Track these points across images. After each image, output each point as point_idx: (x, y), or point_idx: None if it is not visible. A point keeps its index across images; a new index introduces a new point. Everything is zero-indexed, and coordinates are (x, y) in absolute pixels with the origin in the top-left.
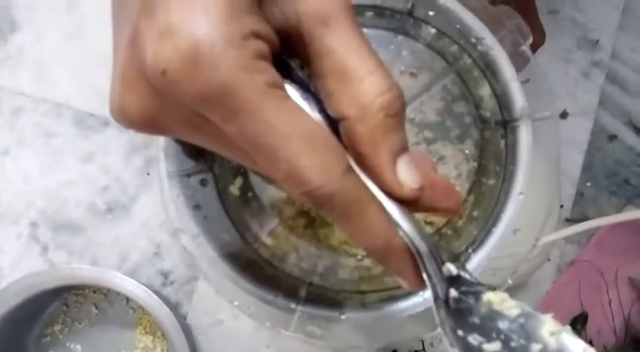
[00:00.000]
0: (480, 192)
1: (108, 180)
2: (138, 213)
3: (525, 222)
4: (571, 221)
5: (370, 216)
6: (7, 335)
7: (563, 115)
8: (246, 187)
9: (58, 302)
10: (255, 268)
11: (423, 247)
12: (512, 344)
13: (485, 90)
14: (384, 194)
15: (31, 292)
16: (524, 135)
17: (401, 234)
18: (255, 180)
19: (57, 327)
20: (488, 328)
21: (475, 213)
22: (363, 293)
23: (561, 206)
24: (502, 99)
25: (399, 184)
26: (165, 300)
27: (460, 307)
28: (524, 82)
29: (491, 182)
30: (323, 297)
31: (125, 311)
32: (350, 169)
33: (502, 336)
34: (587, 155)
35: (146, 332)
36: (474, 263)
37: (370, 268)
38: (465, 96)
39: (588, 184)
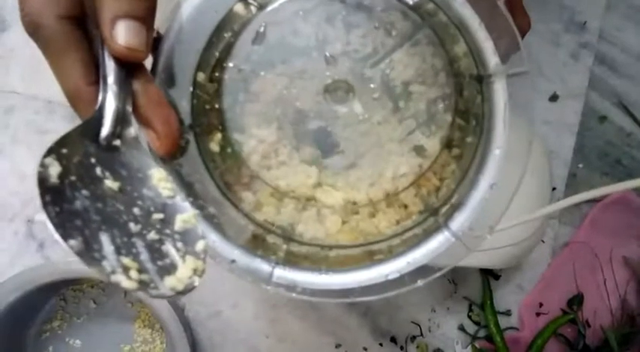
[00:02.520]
0: (460, 149)
1: None
2: None
3: (503, 178)
4: None
5: (69, 59)
6: (5, 332)
7: (553, 98)
8: (225, 143)
9: (56, 298)
10: (237, 225)
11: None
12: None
13: (460, 48)
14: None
15: (28, 287)
16: (500, 90)
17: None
18: (235, 135)
19: (56, 323)
20: (131, 180)
21: (453, 168)
22: (344, 247)
23: (554, 188)
24: (477, 57)
25: (112, 38)
26: None
27: (116, 152)
28: (517, 74)
29: (469, 139)
30: (305, 254)
31: (123, 305)
32: (69, 18)
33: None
34: (579, 137)
35: (145, 326)
36: (459, 220)
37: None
38: (440, 52)
39: (580, 166)
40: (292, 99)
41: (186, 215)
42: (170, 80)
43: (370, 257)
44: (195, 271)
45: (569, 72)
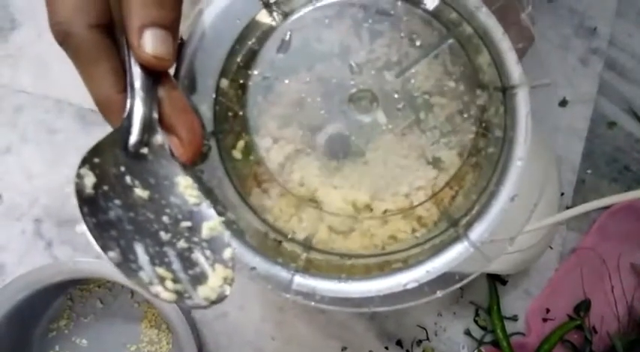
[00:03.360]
0: (479, 159)
1: None
2: None
3: (523, 190)
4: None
5: (99, 69)
6: (13, 330)
7: (563, 103)
8: (249, 150)
9: (63, 298)
10: (256, 232)
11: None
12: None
13: (484, 58)
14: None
15: (36, 287)
16: (523, 101)
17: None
18: (256, 138)
19: (62, 322)
20: (159, 188)
21: (474, 180)
22: (363, 257)
23: (562, 194)
24: (500, 68)
25: (139, 47)
26: None
27: (143, 160)
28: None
29: (491, 149)
30: (324, 262)
31: (130, 305)
32: (99, 27)
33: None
34: (587, 142)
35: (151, 326)
36: (478, 231)
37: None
38: (464, 62)
39: (589, 171)
40: (316, 106)
41: (212, 222)
42: (192, 86)
43: (389, 266)
44: (225, 280)
45: (579, 77)
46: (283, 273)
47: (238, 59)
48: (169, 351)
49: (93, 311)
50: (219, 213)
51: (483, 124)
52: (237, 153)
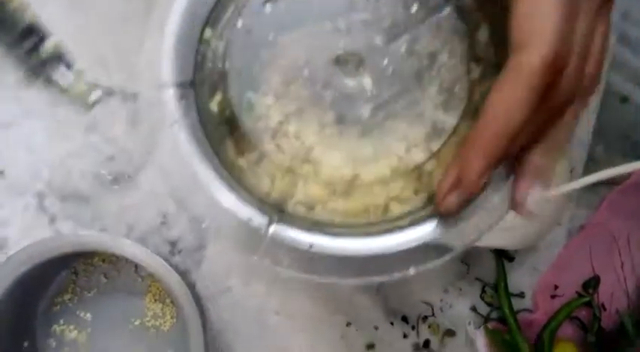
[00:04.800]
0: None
1: (113, 150)
2: (144, 183)
3: None
4: None
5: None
6: (16, 304)
7: None
8: (225, 105)
9: (67, 271)
10: (229, 191)
11: None
12: None
13: (483, 35)
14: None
15: (39, 260)
16: None
17: None
18: (234, 97)
19: (67, 296)
20: None
21: None
22: (369, 221)
23: (571, 170)
24: (501, 46)
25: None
26: (174, 268)
27: None
28: None
29: None
30: (298, 227)
31: (134, 280)
32: None
33: None
34: (599, 118)
35: (155, 300)
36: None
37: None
38: (460, 35)
39: (600, 148)
40: (302, 66)
41: None
42: (180, 32)
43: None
44: None
45: None
46: (253, 232)
47: (228, 10)
48: (173, 325)
49: (97, 285)
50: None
51: (474, 100)
52: (213, 106)
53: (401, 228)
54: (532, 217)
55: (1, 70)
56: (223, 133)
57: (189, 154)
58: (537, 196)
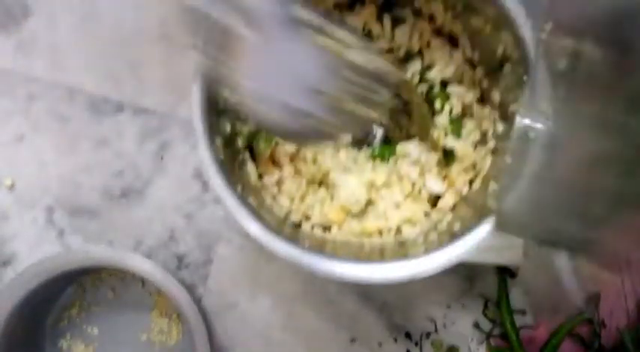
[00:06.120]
0: (498, 145)
1: (122, 164)
2: (152, 198)
3: None
4: None
5: None
6: (26, 318)
7: None
8: (247, 132)
9: (75, 286)
10: (276, 216)
11: None
12: None
13: (505, 43)
14: None
15: (48, 275)
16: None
17: None
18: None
19: (74, 310)
20: None
21: (493, 165)
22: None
23: None
24: (523, 52)
25: None
26: (181, 283)
27: None
28: None
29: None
30: (342, 244)
31: (141, 294)
32: None
33: None
34: None
35: (162, 315)
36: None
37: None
38: (484, 47)
39: None
40: None
41: None
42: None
43: (405, 250)
44: None
45: None
46: (304, 256)
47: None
48: (180, 340)
49: (104, 299)
50: (241, 198)
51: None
52: (235, 133)
53: (416, 256)
54: None
55: (12, 84)
56: (245, 158)
57: (216, 182)
58: None
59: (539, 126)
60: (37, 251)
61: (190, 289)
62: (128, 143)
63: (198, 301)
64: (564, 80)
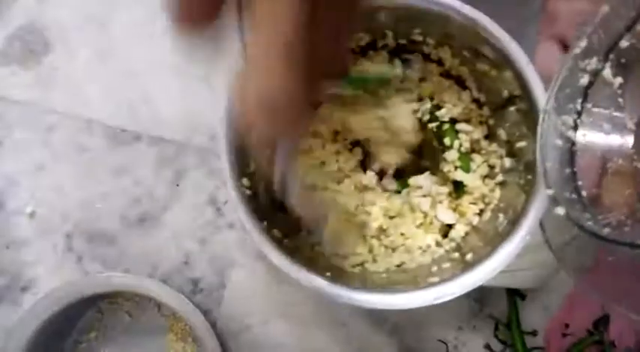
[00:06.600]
0: (506, 178)
1: (139, 192)
2: (168, 224)
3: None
4: None
5: None
6: (45, 341)
7: None
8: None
9: (93, 311)
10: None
11: None
12: None
13: (510, 82)
14: None
15: (68, 300)
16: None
17: None
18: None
19: (92, 334)
20: None
21: (502, 197)
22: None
23: None
24: (528, 92)
25: None
26: (197, 307)
27: None
28: None
29: (521, 168)
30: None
31: (157, 319)
32: None
33: None
34: None
35: (177, 339)
36: (500, 257)
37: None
38: (491, 87)
39: None
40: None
41: None
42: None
43: (423, 279)
44: None
45: None
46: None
47: None
48: None
49: (121, 323)
50: (278, 240)
51: (509, 146)
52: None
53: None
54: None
55: (33, 116)
56: (275, 208)
57: (243, 217)
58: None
59: None
60: (56, 276)
61: (205, 313)
62: (145, 171)
63: (213, 325)
64: None
